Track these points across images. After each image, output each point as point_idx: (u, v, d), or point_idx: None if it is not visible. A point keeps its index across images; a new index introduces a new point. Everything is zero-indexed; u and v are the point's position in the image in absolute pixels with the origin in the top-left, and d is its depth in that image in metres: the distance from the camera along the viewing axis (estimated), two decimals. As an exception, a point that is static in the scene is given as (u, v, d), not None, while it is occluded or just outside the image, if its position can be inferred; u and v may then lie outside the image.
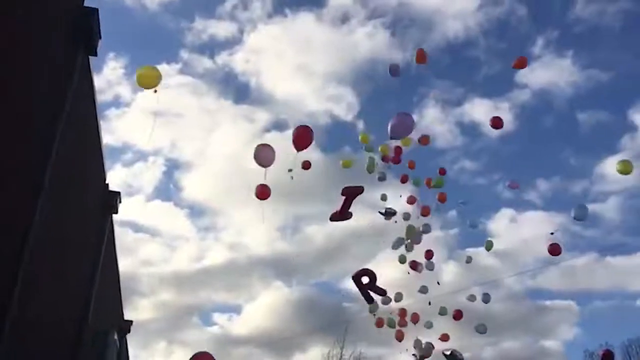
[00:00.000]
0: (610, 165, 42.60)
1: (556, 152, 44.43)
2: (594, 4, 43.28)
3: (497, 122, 14.87)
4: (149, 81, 10.81)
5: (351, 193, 13.93)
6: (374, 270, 15.07)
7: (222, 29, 49.39)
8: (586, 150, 45.15)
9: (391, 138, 13.62)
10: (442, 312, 16.00)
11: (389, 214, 16.43)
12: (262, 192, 12.95)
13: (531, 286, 43.54)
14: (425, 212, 16.28)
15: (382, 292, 15.15)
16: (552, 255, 15.11)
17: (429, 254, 16.24)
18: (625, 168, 15.11)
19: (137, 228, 60.08)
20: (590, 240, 44.44)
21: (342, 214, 13.91)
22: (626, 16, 42.42)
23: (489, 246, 16.88)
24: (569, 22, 43.26)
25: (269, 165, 12.02)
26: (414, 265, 16.17)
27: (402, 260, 16.19)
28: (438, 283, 16.05)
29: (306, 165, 14.80)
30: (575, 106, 40.39)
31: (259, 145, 12.01)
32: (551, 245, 15.03)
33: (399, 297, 15.95)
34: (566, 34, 42.94)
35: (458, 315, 16.12)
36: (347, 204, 13.81)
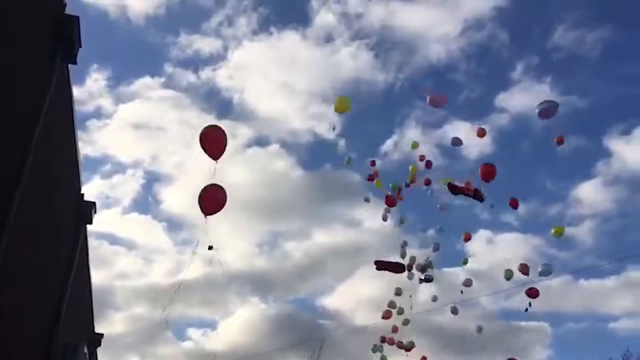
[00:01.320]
0: (585, 190, 43.33)
1: (533, 175, 45.00)
2: (572, 32, 44.47)
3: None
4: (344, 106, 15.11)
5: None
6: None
7: (207, 44, 49.55)
8: (563, 174, 45.91)
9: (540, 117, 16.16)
10: (405, 322, 19.02)
11: (427, 280, 19.11)
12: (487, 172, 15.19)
13: (505, 307, 43.74)
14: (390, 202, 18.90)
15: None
16: (523, 274, 17.30)
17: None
18: (559, 231, 18.02)
19: (113, 240, 59.26)
20: (564, 262, 44.92)
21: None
22: (604, 45, 43.58)
23: (465, 261, 18.61)
24: (548, 48, 44.30)
25: None
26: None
27: (403, 254, 18.95)
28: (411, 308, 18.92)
29: (374, 176, 17.58)
30: (553, 132, 41.09)
31: None
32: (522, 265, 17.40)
33: (401, 310, 18.89)
34: (545, 60, 43.94)
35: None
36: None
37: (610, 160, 39.68)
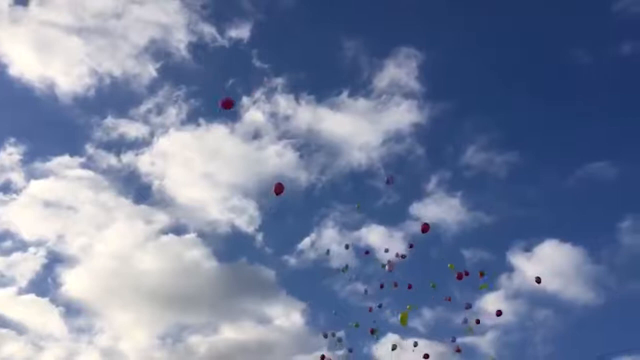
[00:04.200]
0: (488, 301, 45.10)
1: (441, 283, 46.75)
2: (483, 153, 48.33)
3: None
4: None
5: None
6: None
7: (133, 129, 49.41)
8: (468, 284, 47.84)
9: None
10: None
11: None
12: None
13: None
14: None
15: None
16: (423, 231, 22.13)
17: None
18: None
19: (2, 323, 54.65)
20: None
21: None
22: (510, 168, 47.61)
23: None
24: (460, 166, 47.90)
25: None
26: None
27: None
28: None
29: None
30: (460, 243, 43.51)
31: None
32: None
33: None
34: (457, 176, 47.29)
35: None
36: None
37: (513, 275, 41.99)
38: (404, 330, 23.66)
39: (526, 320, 38.92)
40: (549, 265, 40.54)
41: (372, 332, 23.59)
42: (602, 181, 46.15)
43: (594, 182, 46.27)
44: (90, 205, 47.71)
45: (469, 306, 24.66)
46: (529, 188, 47.78)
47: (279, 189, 17.97)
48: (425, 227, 22.28)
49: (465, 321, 24.25)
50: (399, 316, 21.16)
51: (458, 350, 24.07)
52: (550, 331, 39.67)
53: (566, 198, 47.01)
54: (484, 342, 42.43)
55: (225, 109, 15.78)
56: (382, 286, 23.87)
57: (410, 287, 23.49)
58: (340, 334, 24.41)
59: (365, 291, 25.26)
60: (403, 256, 24.48)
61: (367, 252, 26.60)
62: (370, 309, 23.83)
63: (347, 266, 25.60)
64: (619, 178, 45.56)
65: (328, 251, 26.66)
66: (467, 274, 23.42)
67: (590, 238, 43.75)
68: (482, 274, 24.13)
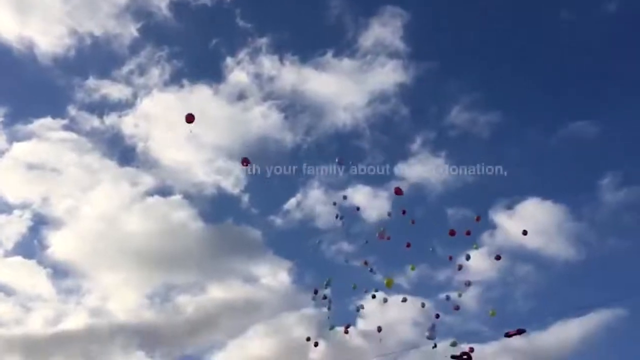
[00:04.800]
0: (472, 258, 46.01)
1: (425, 241, 47.51)
2: (466, 113, 48.66)
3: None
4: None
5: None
6: None
7: (115, 90, 49.01)
8: (452, 242, 48.66)
9: None
10: None
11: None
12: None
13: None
14: None
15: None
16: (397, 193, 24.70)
17: None
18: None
19: (-11, 285, 54.87)
20: (449, 326, 46.97)
21: None
22: (493, 127, 48.12)
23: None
24: (444, 125, 48.40)
25: None
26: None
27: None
28: None
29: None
30: (444, 201, 44.15)
31: None
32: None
33: None
34: (441, 136, 48.03)
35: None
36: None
37: (495, 232, 42.90)
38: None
39: (508, 276, 40.05)
40: (530, 222, 41.49)
41: (373, 297, 24.82)
42: (583, 140, 46.99)
43: (575, 140, 47.10)
44: (75, 168, 47.70)
45: (467, 257, 26.07)
46: (511, 147, 48.48)
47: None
48: (398, 190, 23.91)
49: (469, 284, 26.13)
50: (385, 281, 22.09)
51: (457, 308, 25.70)
52: (531, 287, 40.93)
53: (547, 157, 47.83)
54: (467, 298, 43.57)
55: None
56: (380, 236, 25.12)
57: (409, 245, 25.15)
58: (327, 292, 24.96)
59: (366, 242, 26.45)
60: (389, 213, 26.07)
61: (358, 209, 28.27)
62: (365, 263, 24.56)
63: (342, 217, 26.56)
64: (600, 136, 46.42)
65: (334, 203, 27.28)
66: (468, 233, 25.25)
67: (571, 196, 44.84)
68: (478, 218, 26.68)
